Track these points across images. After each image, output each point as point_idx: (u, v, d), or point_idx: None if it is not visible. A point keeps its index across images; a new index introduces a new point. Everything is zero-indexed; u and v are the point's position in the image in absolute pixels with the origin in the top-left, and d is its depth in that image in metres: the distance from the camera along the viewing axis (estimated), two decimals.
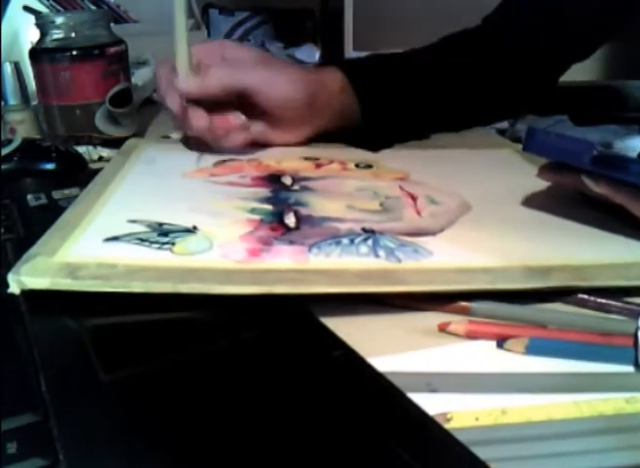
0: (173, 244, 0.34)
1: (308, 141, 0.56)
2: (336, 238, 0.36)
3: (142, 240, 0.34)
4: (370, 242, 0.35)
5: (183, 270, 0.31)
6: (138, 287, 0.29)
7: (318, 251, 0.34)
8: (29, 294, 0.30)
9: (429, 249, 0.35)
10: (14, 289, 0.30)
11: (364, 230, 0.37)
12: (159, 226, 0.36)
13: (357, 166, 0.50)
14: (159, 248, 0.33)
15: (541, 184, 0.45)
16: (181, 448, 0.21)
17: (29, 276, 0.30)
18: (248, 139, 0.52)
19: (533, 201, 0.43)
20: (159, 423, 0.23)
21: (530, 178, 0.46)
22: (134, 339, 0.28)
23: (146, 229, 0.36)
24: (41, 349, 0.27)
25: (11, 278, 0.30)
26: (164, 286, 0.30)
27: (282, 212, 0.39)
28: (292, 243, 0.35)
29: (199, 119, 0.49)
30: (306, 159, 0.52)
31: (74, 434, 0.22)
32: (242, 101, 0.51)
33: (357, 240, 0.35)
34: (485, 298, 0.31)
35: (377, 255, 0.34)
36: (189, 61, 0.49)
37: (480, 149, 0.58)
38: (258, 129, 0.53)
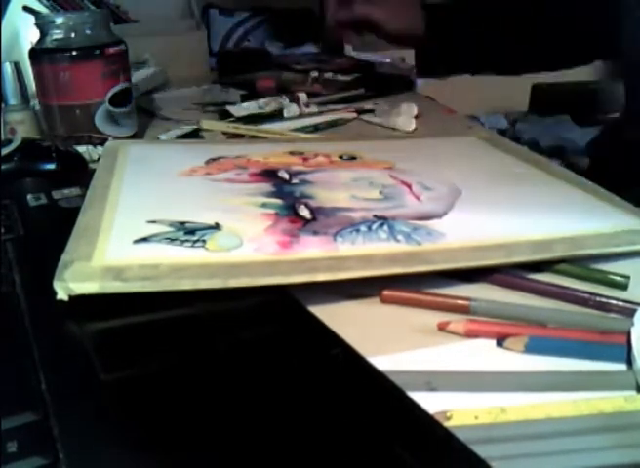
0: (204, 241, 0.34)
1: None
2: (354, 226, 0.37)
3: (172, 239, 0.34)
4: (386, 228, 0.36)
5: (228, 265, 0.32)
6: (187, 284, 0.30)
7: (342, 239, 0.35)
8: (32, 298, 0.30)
9: (440, 231, 0.36)
10: (61, 295, 0.29)
11: (376, 217, 0.38)
12: (181, 225, 0.36)
13: (341, 158, 0.51)
14: (192, 246, 0.33)
15: (514, 168, 0.49)
16: (181, 447, 0.21)
17: (76, 281, 0.30)
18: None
19: (510, 183, 0.46)
20: (159, 422, 0.23)
21: (500, 162, 0.50)
22: (133, 340, 0.28)
23: (170, 229, 0.35)
24: (41, 349, 0.27)
25: (57, 285, 0.29)
26: (214, 282, 0.30)
27: (293, 204, 0.40)
28: (316, 233, 0.36)
29: None
30: (291, 153, 0.52)
31: (74, 433, 0.22)
32: None
33: (374, 226, 0.37)
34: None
35: (396, 240, 0.35)
36: None
37: (447, 137, 0.61)
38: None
